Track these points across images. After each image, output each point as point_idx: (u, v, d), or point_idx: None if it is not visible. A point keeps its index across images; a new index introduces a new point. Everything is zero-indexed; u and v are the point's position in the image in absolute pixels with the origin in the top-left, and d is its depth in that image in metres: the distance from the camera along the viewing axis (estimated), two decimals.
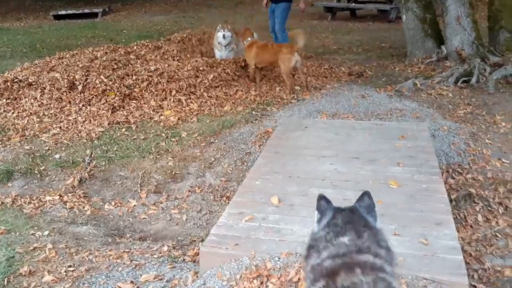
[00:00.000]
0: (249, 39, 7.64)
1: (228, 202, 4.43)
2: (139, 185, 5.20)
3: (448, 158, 5.24)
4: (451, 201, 4.60)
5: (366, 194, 1.94)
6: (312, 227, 1.92)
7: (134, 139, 5.98)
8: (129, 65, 7.49)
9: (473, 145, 5.56)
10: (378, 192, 3.71)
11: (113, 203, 4.94)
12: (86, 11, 18.01)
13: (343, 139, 4.95)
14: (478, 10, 10.35)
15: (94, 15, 17.85)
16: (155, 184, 5.22)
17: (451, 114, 6.36)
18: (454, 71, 7.67)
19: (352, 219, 1.82)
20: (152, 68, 7.19)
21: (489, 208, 4.51)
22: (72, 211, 4.74)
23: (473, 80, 7.48)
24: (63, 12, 18.03)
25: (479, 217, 4.39)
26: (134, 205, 4.89)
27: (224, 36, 7.96)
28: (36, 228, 4.32)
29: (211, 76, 7.21)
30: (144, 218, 4.71)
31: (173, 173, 5.33)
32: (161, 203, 4.93)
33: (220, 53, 8.20)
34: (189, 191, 5.09)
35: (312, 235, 1.88)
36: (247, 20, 16.00)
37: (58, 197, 4.99)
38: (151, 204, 4.92)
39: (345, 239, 1.73)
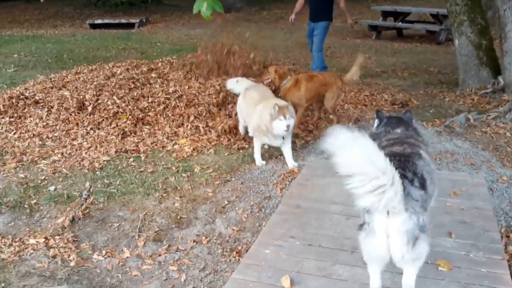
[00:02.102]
0: (290, 77, 6.26)
1: (239, 260, 3.67)
2: (137, 230, 4.46)
3: (508, 219, 4.30)
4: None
5: (408, 112, 3.35)
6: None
7: (141, 171, 5.28)
8: (148, 84, 6.84)
9: None
10: (423, 278, 2.85)
11: (104, 251, 4.21)
12: (123, 21, 17.67)
13: None
14: None
15: (131, 25, 17.49)
16: (156, 229, 4.47)
17: (510, 160, 5.41)
18: None
19: (401, 121, 3.12)
20: (171, 89, 6.51)
21: None
22: (53, 261, 4.03)
23: None
24: (99, 21, 17.76)
25: None
26: (127, 257, 4.14)
27: (287, 128, 4.98)
28: (3, 285, 3.63)
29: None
30: (135, 275, 3.95)
31: (179, 217, 4.59)
32: (159, 255, 4.16)
33: (269, 140, 5.34)
34: (194, 241, 4.31)
35: (373, 133, 3.09)
36: (285, 37, 15.28)
37: (44, 240, 4.30)
38: (147, 255, 4.16)
39: (398, 130, 2.99)
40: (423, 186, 2.48)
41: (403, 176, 2.35)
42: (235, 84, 6.02)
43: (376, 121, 3.32)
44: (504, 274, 3.02)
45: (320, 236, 3.42)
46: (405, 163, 2.50)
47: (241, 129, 6.00)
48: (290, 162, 5.30)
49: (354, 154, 2.21)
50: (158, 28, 17.56)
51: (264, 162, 5.41)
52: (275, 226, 3.58)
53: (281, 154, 5.46)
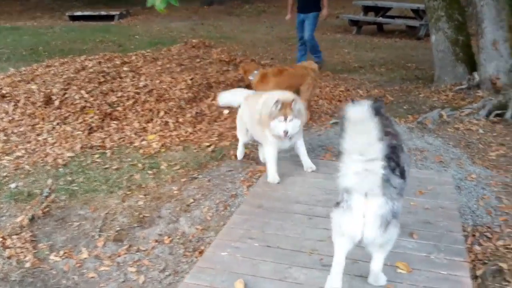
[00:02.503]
0: (256, 72, 6.22)
1: None
2: (98, 230, 4.33)
3: (475, 217, 4.24)
4: (476, 277, 3.62)
5: (379, 100, 3.10)
6: None
7: (106, 168, 5.15)
8: (118, 78, 6.69)
9: (506, 200, 4.55)
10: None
11: (61, 252, 4.07)
12: (103, 13, 17.41)
13: None
14: None
15: (111, 17, 17.25)
16: (118, 229, 4.34)
17: (481, 157, 5.36)
18: (487, 103, 6.67)
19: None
20: (142, 84, 6.36)
21: None
22: (8, 262, 3.88)
23: (508, 114, 6.48)
24: (79, 13, 17.48)
25: None
26: (85, 258, 4.01)
27: (284, 134, 4.27)
28: None
29: (210, 97, 6.34)
30: (92, 277, 3.82)
31: (142, 216, 4.47)
32: (119, 256, 4.04)
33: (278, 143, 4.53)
34: (156, 240, 4.19)
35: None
36: (267, 31, 15.16)
37: (0, 239, 4.15)
38: (106, 256, 4.03)
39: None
40: (402, 175, 2.63)
41: (387, 165, 2.47)
42: (231, 96, 5.19)
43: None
44: (464, 276, 2.95)
45: (280, 237, 3.32)
46: (391, 154, 2.56)
47: (240, 151, 5.22)
48: (306, 164, 4.65)
49: (364, 132, 2.34)
50: (138, 21, 17.32)
51: (279, 179, 4.45)
52: (234, 226, 3.48)
53: (250, 149, 5.36)
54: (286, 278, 2.84)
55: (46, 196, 4.68)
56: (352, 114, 2.35)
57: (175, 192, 4.77)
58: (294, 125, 4.12)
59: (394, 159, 2.57)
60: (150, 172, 5.07)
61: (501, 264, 3.72)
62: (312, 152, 5.25)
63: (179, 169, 5.14)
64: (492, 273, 3.65)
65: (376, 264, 2.79)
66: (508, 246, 3.97)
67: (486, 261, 3.78)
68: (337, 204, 2.69)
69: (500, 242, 4.01)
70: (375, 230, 2.53)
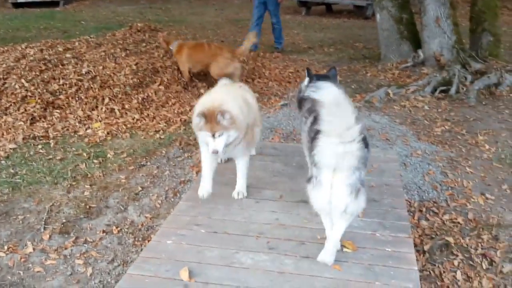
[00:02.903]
0: (176, 42, 6.84)
1: None
2: (43, 222, 4.19)
3: (421, 193, 4.35)
4: (424, 252, 3.72)
5: (333, 68, 3.64)
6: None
7: (50, 159, 4.99)
8: (60, 66, 6.46)
9: (452, 175, 4.67)
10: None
11: (6, 247, 3.93)
12: None
13: (294, 172, 3.98)
14: (458, 9, 9.49)
15: (56, 3, 16.60)
16: (64, 221, 4.22)
17: (426, 133, 5.47)
18: (432, 79, 6.82)
19: (329, 78, 3.35)
20: (84, 70, 6.17)
21: (470, 262, 3.62)
22: None
23: (453, 90, 6.64)
24: (22, 0, 16.76)
25: (458, 275, 3.49)
26: (30, 252, 3.88)
27: (212, 151, 3.30)
28: None
29: (157, 83, 6.22)
30: (38, 272, 3.71)
31: (88, 206, 4.35)
32: (65, 248, 3.93)
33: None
34: (104, 231, 4.10)
35: (304, 86, 3.55)
36: (216, 13, 14.99)
37: None
38: (52, 249, 3.92)
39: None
40: (367, 145, 2.71)
41: (362, 143, 2.58)
42: None
43: (307, 78, 3.57)
44: (408, 252, 2.99)
45: (226, 222, 3.27)
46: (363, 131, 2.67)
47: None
48: (238, 187, 3.73)
49: (342, 116, 2.46)
50: (84, 6, 16.79)
51: (209, 193, 3.58)
52: (180, 214, 3.41)
53: None
54: (232, 264, 2.81)
55: None
56: (327, 98, 2.45)
57: (123, 180, 4.68)
58: (225, 139, 3.22)
59: (365, 135, 2.65)
60: (96, 161, 4.95)
61: (447, 238, 3.83)
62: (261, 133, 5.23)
63: (126, 157, 5.04)
64: (439, 247, 3.76)
65: (338, 232, 2.85)
66: (455, 220, 4.10)
67: (433, 236, 3.89)
68: (309, 180, 2.81)
69: (446, 216, 4.13)
70: (346, 199, 2.65)
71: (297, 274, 2.76)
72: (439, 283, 3.43)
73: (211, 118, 3.16)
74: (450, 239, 3.81)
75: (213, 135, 3.20)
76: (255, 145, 4.15)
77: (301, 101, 3.48)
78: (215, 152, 3.25)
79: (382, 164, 4.13)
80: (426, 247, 3.74)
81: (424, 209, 4.20)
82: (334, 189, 2.65)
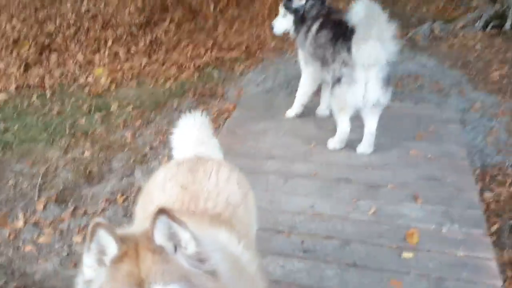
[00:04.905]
0: None
1: None
2: (37, 189, 3.62)
3: (483, 157, 3.60)
4: (491, 234, 2.99)
5: None
6: None
7: (45, 113, 4.48)
8: (57, 4, 5.80)
9: None
10: (383, 264, 2.11)
11: None
12: None
13: (328, 137, 3.25)
14: None
15: None
16: (61, 187, 3.67)
17: (482, 79, 4.70)
18: (483, 13, 6.03)
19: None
20: (84, 9, 5.48)
21: None
22: None
23: (507, 25, 5.89)
24: None
25: None
26: (21, 227, 3.32)
27: None
28: None
29: (166, 21, 5.48)
30: (29, 251, 3.15)
31: (88, 170, 3.81)
32: (62, 221, 3.38)
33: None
34: (107, 200, 3.55)
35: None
36: None
37: None
38: (47, 223, 3.38)
39: None
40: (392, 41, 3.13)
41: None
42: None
43: None
44: (487, 259, 2.25)
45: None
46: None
47: None
48: None
49: (379, 22, 3.00)
50: None
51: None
52: None
53: (218, 83, 4.62)
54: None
55: None
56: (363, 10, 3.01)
57: (128, 140, 4.15)
58: None
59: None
60: (97, 115, 4.44)
61: None
62: (289, 83, 4.49)
63: (132, 110, 4.44)
64: (509, 227, 3.05)
65: (373, 125, 3.23)
66: None
67: (501, 213, 3.17)
68: (338, 80, 3.19)
69: None
70: (378, 91, 3.10)
71: None
72: (509, 274, 2.73)
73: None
74: None
75: None
76: None
77: None
78: None
79: (440, 126, 3.38)
80: (493, 228, 3.02)
81: (487, 178, 3.44)
82: (369, 84, 3.08)
